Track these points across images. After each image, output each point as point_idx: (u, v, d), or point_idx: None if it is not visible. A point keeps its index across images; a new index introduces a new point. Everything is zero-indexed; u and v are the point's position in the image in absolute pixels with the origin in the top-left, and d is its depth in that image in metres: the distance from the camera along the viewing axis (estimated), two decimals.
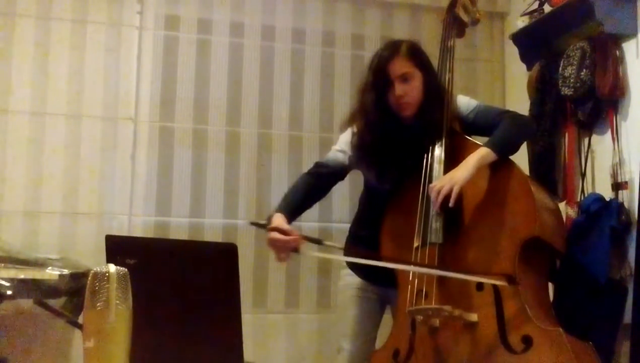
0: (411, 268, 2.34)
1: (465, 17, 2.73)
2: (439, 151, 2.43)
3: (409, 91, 2.43)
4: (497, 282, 2.18)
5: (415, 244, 2.35)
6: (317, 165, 2.62)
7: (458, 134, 2.48)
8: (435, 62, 2.56)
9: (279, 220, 2.35)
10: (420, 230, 2.35)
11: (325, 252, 2.54)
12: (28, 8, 3.47)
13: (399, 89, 2.41)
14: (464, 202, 2.33)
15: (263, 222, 2.41)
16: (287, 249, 2.33)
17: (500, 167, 2.34)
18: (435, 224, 2.32)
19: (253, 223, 2.47)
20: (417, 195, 2.40)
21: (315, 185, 2.57)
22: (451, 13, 2.71)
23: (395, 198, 2.52)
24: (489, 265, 2.25)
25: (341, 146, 2.60)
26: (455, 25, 2.70)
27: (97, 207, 3.46)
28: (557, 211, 2.57)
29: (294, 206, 2.47)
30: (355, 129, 2.55)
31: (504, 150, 2.36)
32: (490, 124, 2.45)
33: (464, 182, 2.27)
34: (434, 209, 2.31)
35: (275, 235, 2.31)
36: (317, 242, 2.38)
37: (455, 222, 2.33)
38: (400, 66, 2.42)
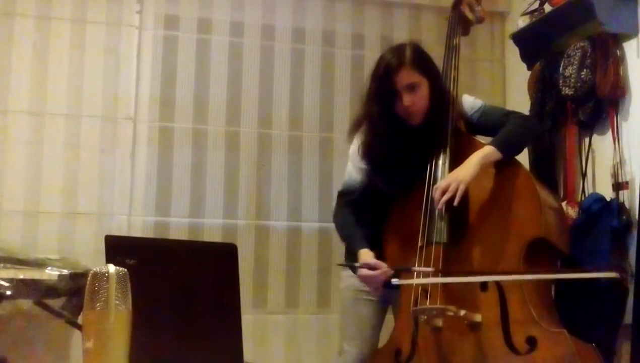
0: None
1: (470, 15, 2.73)
2: (444, 152, 2.43)
3: (416, 100, 2.41)
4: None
5: (420, 244, 2.34)
6: (343, 194, 2.62)
7: (463, 134, 2.47)
8: (437, 62, 2.55)
9: (366, 255, 2.40)
10: (424, 230, 2.35)
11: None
12: (28, 8, 3.47)
13: (406, 99, 2.40)
14: (469, 201, 2.33)
15: (353, 264, 2.44)
16: (378, 283, 2.39)
17: (505, 166, 2.34)
18: (440, 224, 2.32)
19: (341, 265, 2.54)
20: (421, 194, 2.39)
21: (356, 212, 2.57)
22: (456, 11, 2.71)
23: (399, 198, 2.52)
24: (494, 265, 2.25)
25: (354, 164, 2.59)
26: (460, 23, 2.71)
27: (96, 207, 3.46)
28: (562, 212, 2.57)
29: (363, 237, 2.48)
30: (361, 140, 2.54)
31: (508, 149, 2.35)
32: (495, 124, 2.45)
33: (469, 180, 2.26)
34: (437, 209, 2.30)
35: (365, 272, 2.37)
36: (406, 270, 2.37)
37: (460, 222, 2.33)
38: (406, 76, 2.40)
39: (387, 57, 2.45)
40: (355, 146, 2.59)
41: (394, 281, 2.33)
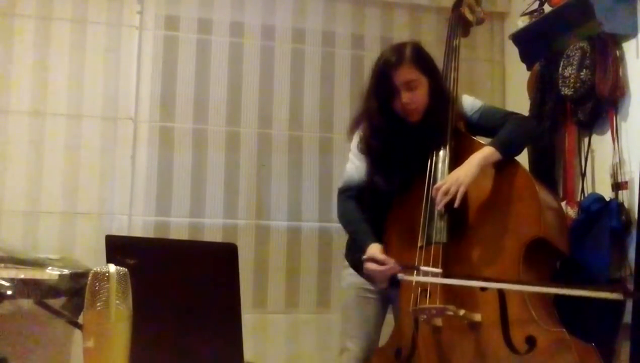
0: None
1: (470, 17, 2.73)
2: (443, 151, 2.43)
3: (415, 98, 2.42)
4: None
5: (420, 244, 2.35)
6: (345, 189, 2.60)
7: (462, 134, 2.48)
8: (437, 62, 2.55)
9: (374, 249, 2.39)
10: (424, 230, 2.35)
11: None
12: (28, 8, 3.47)
13: (405, 96, 2.41)
14: (469, 201, 2.33)
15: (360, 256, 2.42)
16: (384, 278, 2.37)
17: (505, 167, 2.34)
18: (440, 224, 2.33)
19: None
20: (421, 194, 2.40)
21: (360, 207, 2.55)
22: (456, 12, 2.72)
23: (399, 198, 2.52)
24: (494, 265, 2.25)
25: (355, 160, 2.59)
26: (460, 24, 2.71)
27: (97, 207, 3.46)
28: (561, 212, 2.57)
29: (371, 232, 2.47)
30: (360, 136, 2.55)
31: (508, 150, 2.36)
32: (495, 124, 2.45)
33: (469, 182, 2.27)
34: (437, 208, 2.31)
35: (372, 265, 2.35)
36: (414, 269, 2.33)
37: (459, 222, 2.33)
38: (405, 73, 2.41)
39: (387, 54, 2.47)
40: (355, 142, 2.60)
41: (399, 276, 2.31)
